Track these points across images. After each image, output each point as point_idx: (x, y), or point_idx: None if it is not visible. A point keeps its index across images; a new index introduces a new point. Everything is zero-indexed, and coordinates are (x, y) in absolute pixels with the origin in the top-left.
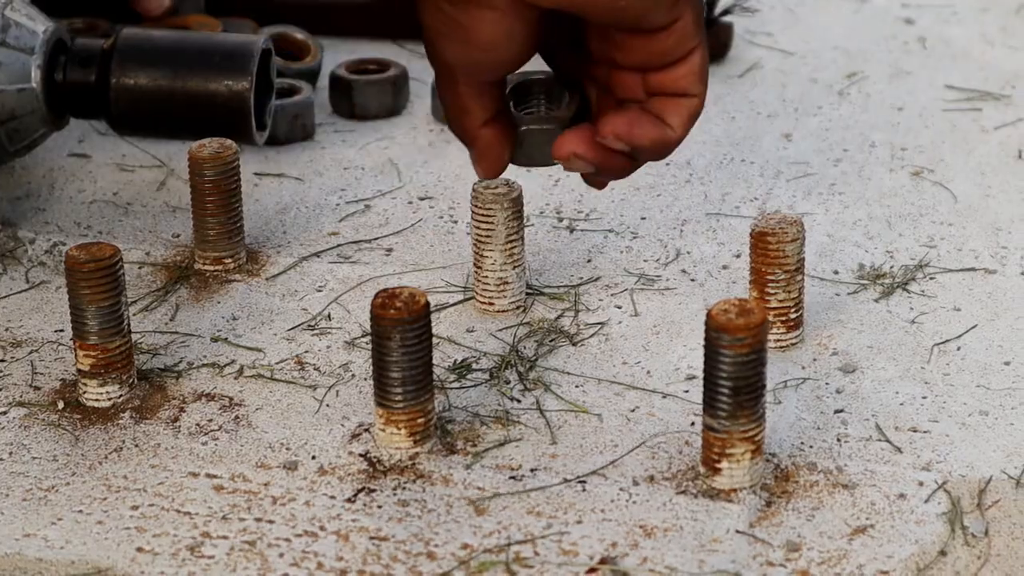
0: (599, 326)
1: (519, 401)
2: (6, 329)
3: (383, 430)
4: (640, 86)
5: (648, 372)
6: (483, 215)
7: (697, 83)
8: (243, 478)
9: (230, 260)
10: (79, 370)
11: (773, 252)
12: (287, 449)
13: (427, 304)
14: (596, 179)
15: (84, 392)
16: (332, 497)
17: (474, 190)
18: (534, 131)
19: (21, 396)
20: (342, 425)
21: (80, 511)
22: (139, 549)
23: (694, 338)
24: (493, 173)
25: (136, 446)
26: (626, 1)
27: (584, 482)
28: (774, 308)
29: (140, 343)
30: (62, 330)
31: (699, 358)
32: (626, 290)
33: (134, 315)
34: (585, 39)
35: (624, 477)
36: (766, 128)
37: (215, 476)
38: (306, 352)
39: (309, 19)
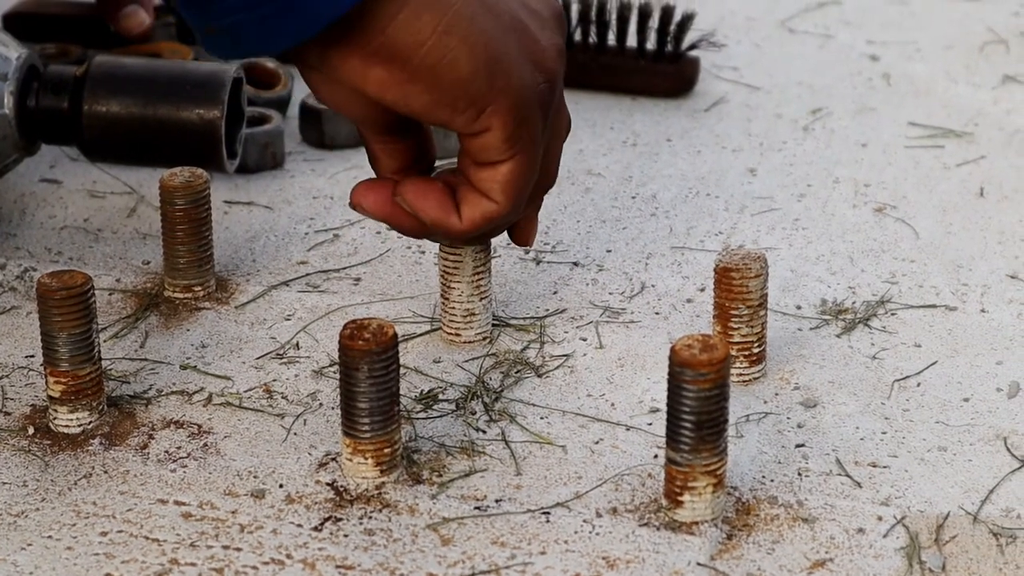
0: (564, 358)
1: (485, 432)
2: None
3: (350, 459)
4: (467, 164)
5: (612, 404)
6: (450, 247)
7: (499, 192)
8: (211, 505)
9: (200, 288)
10: (49, 396)
11: (737, 288)
12: (255, 477)
13: (395, 336)
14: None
15: (54, 418)
16: (299, 525)
17: None
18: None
19: None
20: (309, 454)
21: (49, 536)
22: (108, 575)
23: (658, 371)
24: (411, 233)
25: (105, 472)
26: (417, 108)
27: (548, 513)
28: (737, 343)
29: (110, 370)
30: (32, 356)
31: (663, 391)
32: (591, 322)
33: (104, 342)
34: None
35: (588, 508)
36: (731, 162)
37: (183, 503)
38: (274, 380)
39: None
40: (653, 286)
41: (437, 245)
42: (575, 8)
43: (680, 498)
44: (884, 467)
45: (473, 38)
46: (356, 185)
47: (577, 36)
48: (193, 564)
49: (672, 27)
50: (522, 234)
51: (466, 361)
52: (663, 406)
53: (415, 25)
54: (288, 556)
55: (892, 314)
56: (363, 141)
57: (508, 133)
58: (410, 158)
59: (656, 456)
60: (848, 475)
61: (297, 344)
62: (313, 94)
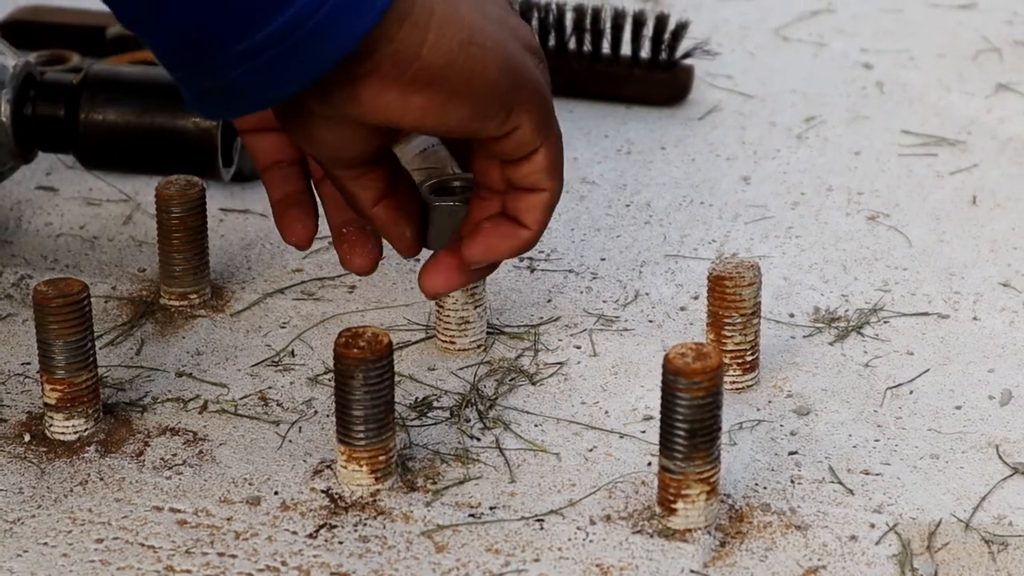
0: (558, 366)
1: (479, 439)
2: None
3: (345, 467)
4: (500, 177)
5: (606, 412)
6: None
7: (545, 178)
8: (206, 512)
9: (195, 296)
10: (45, 403)
11: (730, 296)
12: (250, 484)
13: (390, 344)
14: None
15: (50, 425)
16: (294, 533)
17: None
18: (441, 208)
19: None
20: (304, 461)
21: (45, 543)
22: None
23: (652, 379)
24: (408, 252)
25: (101, 479)
26: (453, 124)
27: (542, 520)
28: (730, 351)
29: (105, 377)
30: (29, 363)
31: (656, 399)
32: (585, 330)
33: (100, 349)
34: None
35: (581, 516)
36: (725, 171)
37: (179, 510)
38: (270, 388)
39: None
40: (647, 294)
41: (431, 253)
42: (570, 16)
43: (673, 505)
44: (877, 474)
45: (490, 43)
46: (420, 276)
47: (572, 44)
48: (188, 571)
49: (666, 35)
50: None
51: (460, 369)
52: (657, 414)
53: (443, 44)
54: (283, 563)
55: (885, 322)
56: (339, 187)
57: (536, 122)
58: (387, 184)
59: (650, 464)
60: (841, 482)
61: (292, 352)
62: (299, 144)
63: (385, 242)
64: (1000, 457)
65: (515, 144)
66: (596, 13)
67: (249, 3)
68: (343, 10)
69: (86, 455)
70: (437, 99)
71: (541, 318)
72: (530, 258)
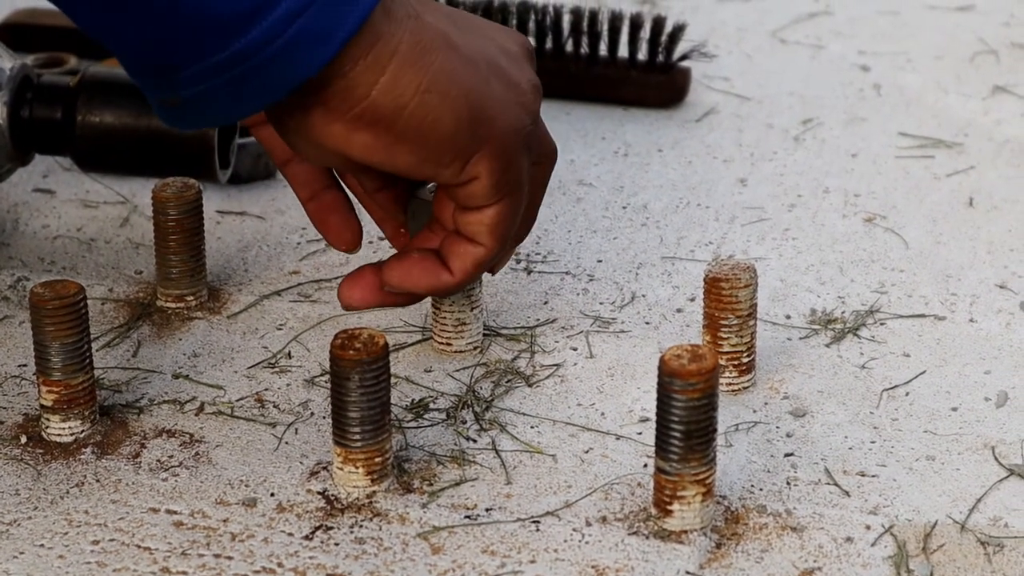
0: (555, 368)
1: (475, 441)
2: None
3: (341, 468)
4: (451, 217)
5: (602, 414)
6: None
7: (486, 235)
8: (203, 514)
9: (192, 298)
10: (42, 405)
11: (726, 297)
12: (246, 486)
13: (386, 345)
14: None
15: (47, 427)
16: (290, 534)
17: None
18: (423, 201)
19: None
20: (301, 463)
21: (42, 545)
22: None
23: (648, 381)
24: (398, 243)
25: (97, 481)
26: (401, 167)
27: (538, 522)
28: (727, 352)
29: (102, 379)
30: (25, 365)
31: (652, 401)
32: (582, 332)
33: (96, 351)
34: None
35: (577, 517)
36: (722, 173)
37: (175, 512)
38: (266, 390)
39: None
40: (643, 296)
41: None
42: (567, 19)
43: (669, 507)
44: (872, 476)
45: (454, 92)
46: (340, 285)
47: (569, 47)
48: (184, 572)
49: (663, 38)
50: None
51: (457, 370)
52: (653, 415)
53: (397, 88)
54: (279, 565)
55: (881, 324)
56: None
57: (495, 179)
58: (382, 181)
59: (646, 465)
60: (837, 484)
61: (289, 353)
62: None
63: (381, 240)
64: (996, 459)
65: (468, 194)
66: (593, 15)
67: (209, 25)
68: (301, 41)
69: (82, 457)
70: (382, 140)
71: (537, 320)
72: (527, 260)
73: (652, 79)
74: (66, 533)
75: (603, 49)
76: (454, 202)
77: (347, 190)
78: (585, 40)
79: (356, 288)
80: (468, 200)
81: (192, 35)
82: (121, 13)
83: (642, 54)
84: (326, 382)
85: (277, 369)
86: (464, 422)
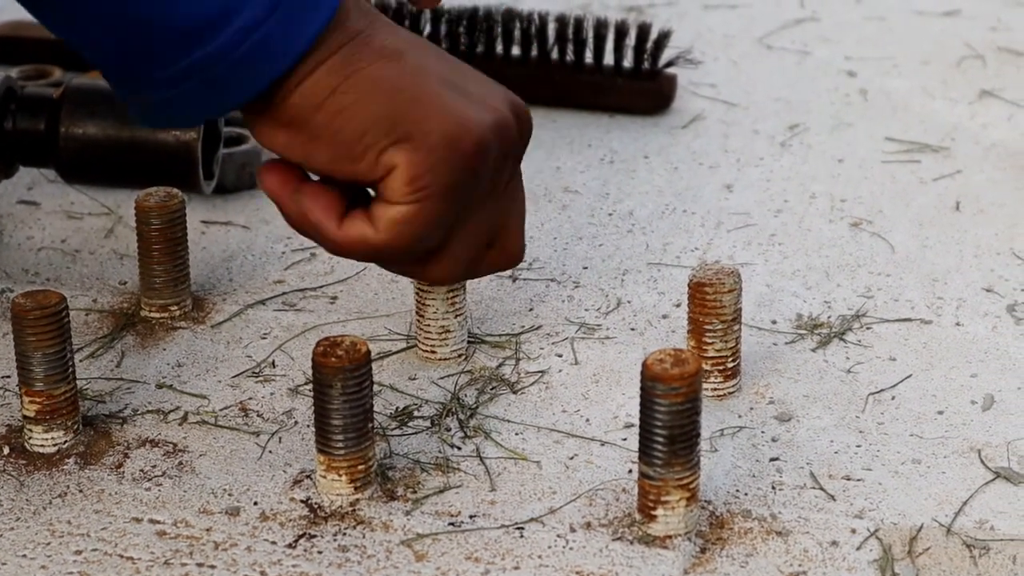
0: (540, 374)
1: (459, 448)
2: None
3: (324, 476)
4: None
5: (587, 420)
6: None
7: (382, 226)
8: (186, 523)
9: (176, 307)
10: (24, 416)
11: (710, 302)
12: (229, 495)
13: (368, 352)
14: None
15: (29, 438)
16: (273, 543)
17: None
18: None
19: None
20: (284, 471)
21: (24, 556)
22: None
23: (633, 387)
24: None
25: (80, 491)
26: (319, 165)
27: (522, 528)
28: (711, 357)
29: (86, 389)
30: (8, 376)
31: (637, 406)
32: (567, 339)
33: (80, 361)
34: None
35: (561, 524)
36: (708, 179)
37: (158, 521)
38: (250, 399)
39: None
40: (629, 302)
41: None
42: (552, 27)
43: (653, 512)
44: (858, 480)
45: (375, 93)
46: (267, 161)
47: (554, 55)
48: None
49: (649, 45)
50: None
51: (441, 378)
52: (637, 421)
53: (313, 90)
54: (262, 573)
55: (867, 328)
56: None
57: (412, 174)
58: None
59: (631, 471)
60: (822, 488)
61: (273, 362)
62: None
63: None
64: (982, 462)
65: (385, 186)
66: (579, 23)
67: (173, 34)
68: (257, 56)
69: (65, 467)
70: (297, 138)
71: (523, 327)
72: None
73: (638, 86)
74: (48, 543)
75: (589, 56)
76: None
77: None
78: (571, 48)
79: (275, 174)
80: (385, 191)
81: (156, 42)
82: (93, 25)
83: (628, 61)
84: (310, 391)
85: (261, 378)
86: (448, 429)
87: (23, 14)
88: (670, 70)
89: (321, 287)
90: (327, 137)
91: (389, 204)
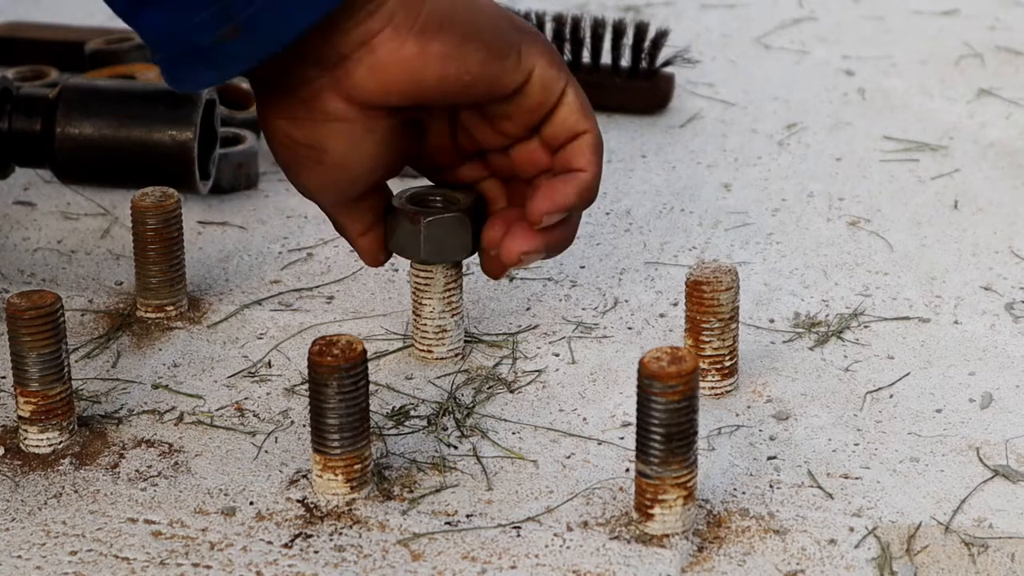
0: (537, 373)
1: (456, 448)
2: None
3: (320, 476)
4: (542, 149)
5: (584, 419)
6: (422, 264)
7: (582, 119)
8: (181, 524)
9: (172, 308)
10: (20, 416)
11: (708, 301)
12: (225, 495)
13: (364, 351)
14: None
15: (25, 438)
16: (269, 543)
17: None
18: (436, 222)
19: None
20: (280, 471)
21: (19, 556)
22: None
23: (630, 386)
24: (376, 265)
25: (75, 492)
26: (474, 69)
27: (519, 528)
28: (709, 356)
29: (81, 390)
30: (3, 376)
31: (635, 405)
32: (564, 338)
33: (76, 362)
34: (471, 138)
35: (559, 523)
36: (706, 178)
37: (153, 522)
38: (246, 399)
39: None
40: (626, 301)
41: (409, 263)
42: (549, 26)
43: (650, 511)
44: (856, 478)
45: None
46: (503, 248)
47: None
48: None
49: (646, 44)
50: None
51: (438, 377)
52: (635, 420)
53: None
54: (258, 573)
55: (865, 326)
56: (327, 215)
57: (550, 60)
58: (374, 217)
59: (628, 470)
60: (820, 487)
61: (269, 362)
62: (288, 175)
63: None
64: (980, 460)
65: (539, 89)
66: (576, 22)
67: None
68: None
69: (61, 468)
70: (452, 42)
71: (519, 326)
72: None
73: (636, 85)
74: (43, 544)
75: (586, 56)
76: (538, 115)
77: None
78: (568, 47)
79: (516, 243)
80: (543, 93)
81: None
82: None
83: (625, 60)
84: (306, 391)
85: (257, 378)
86: (445, 429)
87: (20, 14)
88: (668, 69)
89: (317, 287)
90: (473, 34)
91: (562, 102)
